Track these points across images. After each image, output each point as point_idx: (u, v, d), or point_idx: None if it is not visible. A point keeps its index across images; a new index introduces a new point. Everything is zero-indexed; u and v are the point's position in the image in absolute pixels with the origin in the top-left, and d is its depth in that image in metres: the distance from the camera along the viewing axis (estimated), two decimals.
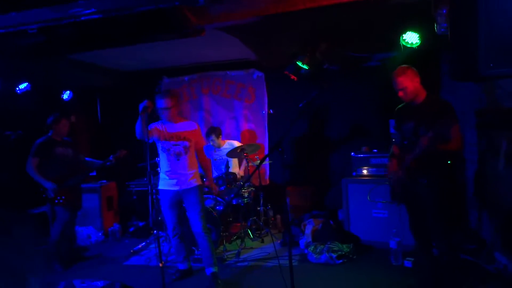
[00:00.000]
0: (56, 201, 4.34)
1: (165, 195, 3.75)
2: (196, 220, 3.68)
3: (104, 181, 6.23)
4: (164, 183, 3.75)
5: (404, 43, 3.90)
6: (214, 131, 5.45)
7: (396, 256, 3.97)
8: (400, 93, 2.97)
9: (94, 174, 6.21)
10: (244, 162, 5.44)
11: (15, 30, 2.84)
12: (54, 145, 4.52)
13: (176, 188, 3.69)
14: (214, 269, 3.72)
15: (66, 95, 5.96)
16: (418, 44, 3.91)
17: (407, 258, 3.89)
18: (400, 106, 3.25)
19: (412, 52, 3.91)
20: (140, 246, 5.04)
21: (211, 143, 5.50)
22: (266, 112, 6.05)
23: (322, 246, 4.26)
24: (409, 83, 2.92)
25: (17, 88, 5.13)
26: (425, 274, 3.25)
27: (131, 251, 4.93)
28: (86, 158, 4.92)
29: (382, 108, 5.13)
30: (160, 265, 3.58)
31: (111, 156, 4.68)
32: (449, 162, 2.97)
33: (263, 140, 6.12)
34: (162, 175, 3.78)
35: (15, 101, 5.17)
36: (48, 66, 4.96)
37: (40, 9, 2.63)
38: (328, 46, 4.32)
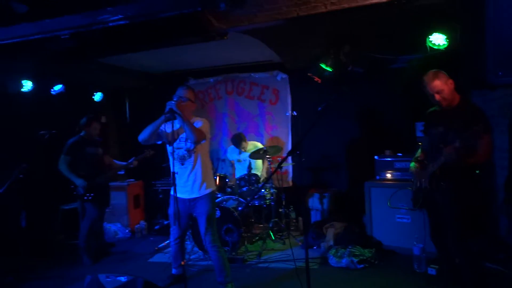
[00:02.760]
0: (85, 198, 4.54)
1: (173, 201, 3.45)
2: (204, 233, 3.46)
3: (132, 180, 6.44)
4: (173, 189, 3.37)
5: (431, 45, 3.80)
6: (241, 137, 5.52)
7: (419, 263, 3.87)
8: (437, 97, 2.87)
9: (123, 173, 6.43)
10: (267, 163, 5.48)
11: (49, 36, 3.01)
12: (85, 144, 4.73)
13: (184, 196, 3.41)
14: (227, 287, 3.46)
15: (97, 97, 6.20)
16: (445, 46, 3.80)
17: (431, 266, 3.79)
18: (431, 109, 3.15)
19: (440, 54, 3.81)
20: (164, 244, 5.17)
21: (242, 149, 5.57)
22: (290, 114, 6.06)
23: (343, 250, 4.22)
24: (444, 86, 2.84)
25: (52, 90, 5.38)
26: (448, 283, 3.16)
27: (156, 248, 5.08)
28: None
29: (407, 110, 5.01)
30: (182, 263, 3.67)
31: (132, 158, 4.86)
32: (477, 172, 2.85)
33: (287, 141, 6.13)
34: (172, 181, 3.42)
35: (50, 102, 5.43)
36: (80, 69, 5.19)
37: (72, 16, 2.78)
38: (352, 48, 4.28)
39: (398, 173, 4.65)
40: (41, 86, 5.15)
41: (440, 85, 2.84)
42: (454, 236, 2.85)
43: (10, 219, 4.82)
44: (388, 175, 4.71)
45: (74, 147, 4.64)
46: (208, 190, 3.46)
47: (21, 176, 4.34)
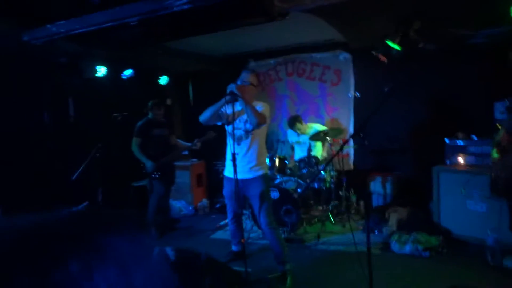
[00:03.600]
0: (152, 175, 4.84)
1: (226, 182, 3.59)
2: (259, 214, 3.47)
3: (195, 159, 6.72)
4: (226, 170, 3.58)
5: None
6: (297, 120, 5.45)
7: (493, 255, 3.60)
8: None
9: (187, 153, 6.72)
10: (327, 145, 5.38)
11: (119, 23, 3.18)
12: (153, 126, 5.01)
13: (236, 176, 3.26)
14: (285, 267, 3.47)
15: (163, 80, 6.49)
16: None
17: (508, 258, 3.50)
18: None
19: None
20: (224, 222, 5.36)
21: (298, 132, 5.53)
22: (352, 95, 5.84)
23: (407, 236, 4.07)
24: None
25: (122, 74, 5.73)
26: None
27: (217, 226, 5.29)
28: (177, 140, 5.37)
29: (485, 90, 4.57)
30: (242, 241, 3.79)
31: (196, 140, 5.03)
32: None
33: (348, 123, 5.95)
34: (226, 161, 3.57)
35: (121, 86, 5.79)
36: (147, 54, 5.44)
37: (139, 2, 2.90)
38: (424, 23, 3.96)
39: (472, 157, 4.29)
40: (113, 71, 5.50)
41: None
42: None
43: (88, 195, 5.30)
44: (460, 160, 4.38)
45: (143, 129, 4.94)
46: (261, 172, 3.46)
47: (97, 154, 4.73)
